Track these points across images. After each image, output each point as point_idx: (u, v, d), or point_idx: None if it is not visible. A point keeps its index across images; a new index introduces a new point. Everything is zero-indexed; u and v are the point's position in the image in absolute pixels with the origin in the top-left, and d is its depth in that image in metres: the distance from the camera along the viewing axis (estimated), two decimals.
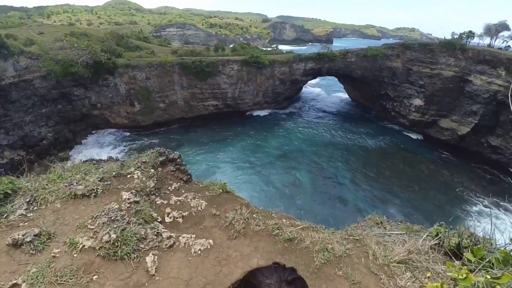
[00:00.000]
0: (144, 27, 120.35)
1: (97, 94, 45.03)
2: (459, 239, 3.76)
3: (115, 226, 3.43)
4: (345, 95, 70.66)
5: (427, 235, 4.21)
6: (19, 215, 3.49)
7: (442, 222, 5.02)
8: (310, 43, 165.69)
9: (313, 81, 77.21)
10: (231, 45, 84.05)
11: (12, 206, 3.60)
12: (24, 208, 3.59)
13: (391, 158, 40.94)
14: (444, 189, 35.39)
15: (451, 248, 3.92)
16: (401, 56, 47.12)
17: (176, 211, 4.45)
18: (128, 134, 46.54)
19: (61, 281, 2.81)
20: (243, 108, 57.03)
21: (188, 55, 54.01)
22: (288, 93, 61.58)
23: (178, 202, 4.74)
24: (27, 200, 3.71)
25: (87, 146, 42.38)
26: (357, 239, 4.48)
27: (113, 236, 3.28)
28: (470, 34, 45.42)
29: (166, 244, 3.58)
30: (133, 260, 3.22)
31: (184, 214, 4.43)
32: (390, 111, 51.44)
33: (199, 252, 3.61)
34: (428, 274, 3.25)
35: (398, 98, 48.99)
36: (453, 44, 41.21)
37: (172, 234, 3.81)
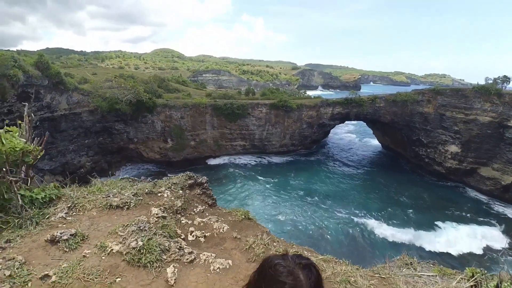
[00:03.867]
0: (184, 72, 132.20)
1: (135, 129, 48.62)
2: (497, 281, 3.39)
3: (142, 235, 3.62)
4: (376, 141, 69.01)
5: (461, 278, 3.84)
6: (60, 218, 3.82)
7: (481, 269, 4.56)
8: (338, 89, 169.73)
9: (344, 126, 76.49)
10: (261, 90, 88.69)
11: (54, 209, 3.97)
12: (64, 212, 3.94)
13: (430, 211, 37.20)
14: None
15: None
16: (433, 102, 46.23)
17: (199, 230, 4.56)
18: (158, 169, 48.52)
19: (87, 278, 2.98)
20: (269, 149, 57.76)
21: (221, 98, 57.55)
22: (316, 136, 61.75)
23: (202, 223, 4.86)
24: (68, 205, 4.08)
25: (120, 177, 44.61)
26: (383, 277, 4.20)
27: (140, 243, 3.45)
28: (505, 79, 43.87)
29: (187, 259, 3.65)
30: (155, 268, 3.32)
31: (206, 234, 4.52)
32: (423, 158, 49.00)
33: (218, 270, 3.62)
34: None
35: (432, 144, 46.88)
36: (488, 89, 39.89)
37: (193, 250, 3.89)
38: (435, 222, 34.42)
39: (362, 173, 50.36)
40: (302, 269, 1.32)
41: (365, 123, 66.41)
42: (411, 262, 4.80)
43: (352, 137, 76.44)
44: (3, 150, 3.47)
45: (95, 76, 59.87)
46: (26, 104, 4.82)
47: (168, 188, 5.23)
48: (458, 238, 31.26)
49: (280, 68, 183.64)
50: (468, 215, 36.18)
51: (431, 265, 4.75)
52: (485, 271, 3.83)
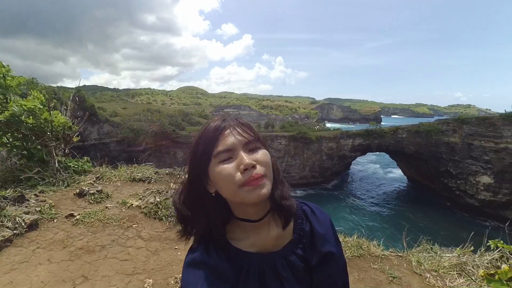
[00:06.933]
0: (206, 107, 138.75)
1: (158, 160, 50.33)
2: None
3: (161, 195, 3.87)
4: (400, 171, 65.98)
5: (484, 249, 3.64)
6: (88, 183, 4.19)
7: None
8: (358, 122, 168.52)
9: (366, 156, 74.18)
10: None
11: (84, 178, 4.37)
12: (93, 180, 4.31)
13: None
14: None
15: None
16: (458, 131, 44.42)
17: None
18: None
19: (107, 221, 3.23)
20: (288, 181, 56.31)
21: None
22: (336, 168, 60.34)
23: None
24: (97, 176, 4.47)
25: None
26: (400, 255, 4.03)
27: (158, 199, 3.69)
28: None
29: None
30: (169, 222, 3.51)
31: None
32: (454, 190, 45.80)
33: None
34: (482, 272, 2.85)
35: (462, 175, 44.03)
36: None
37: None
38: None
39: (388, 209, 47.29)
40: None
41: (387, 155, 64.36)
42: (431, 248, 4.57)
43: (375, 167, 73.41)
44: (49, 119, 4.01)
45: (125, 110, 64.37)
46: (68, 90, 5.50)
47: None
48: None
49: (299, 102, 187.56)
50: None
51: (453, 250, 4.50)
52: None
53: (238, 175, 0.73)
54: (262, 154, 0.79)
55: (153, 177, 4.82)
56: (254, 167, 0.73)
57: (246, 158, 0.73)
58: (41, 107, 3.90)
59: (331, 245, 0.94)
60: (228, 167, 0.74)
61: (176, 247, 3.09)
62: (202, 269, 0.80)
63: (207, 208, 0.82)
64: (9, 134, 3.89)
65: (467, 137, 43.25)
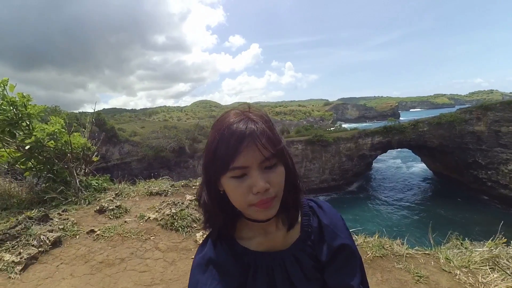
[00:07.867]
0: None
1: (178, 174, 51.39)
2: None
3: (176, 207, 3.94)
4: (423, 165, 63.09)
5: None
6: (107, 200, 4.34)
7: None
8: (375, 120, 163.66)
9: (388, 154, 71.80)
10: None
11: (104, 195, 4.53)
12: (112, 197, 4.46)
13: None
14: None
15: None
16: (483, 119, 42.21)
17: None
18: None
19: (126, 235, 3.32)
20: (309, 186, 55.99)
21: None
22: (357, 169, 58.65)
23: None
24: (116, 193, 4.62)
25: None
26: (427, 253, 3.82)
27: (174, 211, 3.76)
28: None
29: None
30: (185, 232, 3.55)
31: None
32: (485, 182, 43.19)
33: None
34: None
35: (492, 165, 41.52)
36: None
37: None
38: None
39: (417, 207, 44.87)
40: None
41: (410, 151, 61.94)
42: (461, 243, 4.32)
43: (397, 163, 70.59)
44: (69, 141, 4.22)
45: (143, 129, 66.57)
46: (89, 114, 5.80)
47: None
48: None
49: (312, 105, 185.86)
50: None
51: (486, 242, 4.23)
52: None
53: (250, 195, 0.73)
54: (277, 174, 0.76)
55: (169, 190, 4.92)
56: (267, 189, 0.72)
57: (260, 181, 0.71)
58: (62, 130, 4.12)
59: (342, 238, 0.90)
60: (241, 186, 0.73)
61: (193, 257, 3.11)
62: (210, 268, 0.81)
63: (218, 204, 0.82)
64: (33, 159, 4.13)
65: (493, 124, 41.05)
